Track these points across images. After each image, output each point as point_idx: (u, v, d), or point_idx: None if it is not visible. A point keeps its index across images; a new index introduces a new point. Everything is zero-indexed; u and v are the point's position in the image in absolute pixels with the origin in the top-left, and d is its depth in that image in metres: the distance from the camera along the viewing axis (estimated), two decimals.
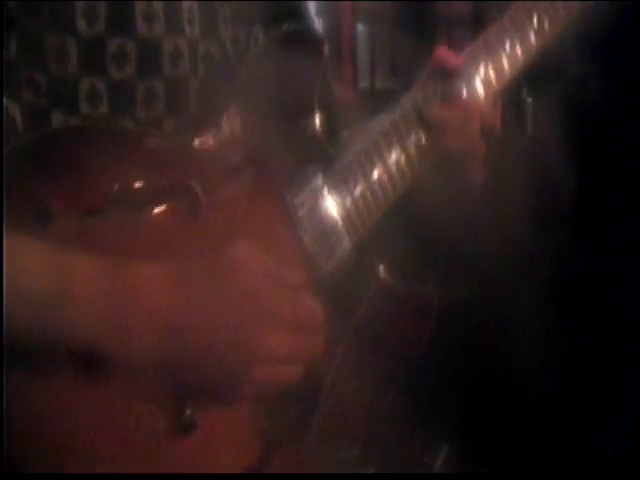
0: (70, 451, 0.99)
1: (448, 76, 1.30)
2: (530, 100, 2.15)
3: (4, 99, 1.07)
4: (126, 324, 0.95)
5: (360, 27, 3.12)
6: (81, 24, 1.06)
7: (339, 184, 1.18)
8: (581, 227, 2.20)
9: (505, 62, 1.36)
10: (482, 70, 1.34)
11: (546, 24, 1.38)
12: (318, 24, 2.61)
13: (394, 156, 1.23)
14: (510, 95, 2.11)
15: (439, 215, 1.33)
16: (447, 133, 1.29)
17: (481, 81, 1.34)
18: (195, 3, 1.13)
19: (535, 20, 1.37)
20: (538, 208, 2.17)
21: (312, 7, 2.67)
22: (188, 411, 1.02)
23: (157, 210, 1.04)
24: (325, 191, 1.17)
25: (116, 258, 0.97)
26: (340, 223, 1.18)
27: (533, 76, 2.02)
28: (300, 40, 1.20)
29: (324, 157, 1.18)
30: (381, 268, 1.24)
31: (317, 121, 1.17)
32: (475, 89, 1.33)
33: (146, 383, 0.98)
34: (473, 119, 1.31)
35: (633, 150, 2.02)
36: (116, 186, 1.02)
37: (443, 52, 1.32)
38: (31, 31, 1.06)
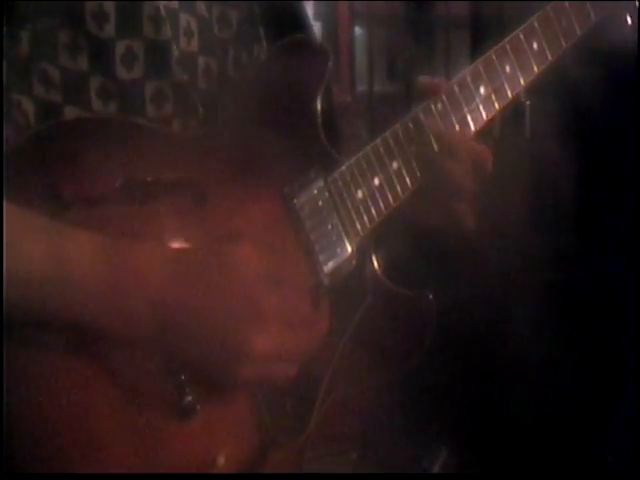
0: (69, 434, 0.98)
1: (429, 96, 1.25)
2: (528, 103, 2.15)
3: (16, 94, 1.08)
4: (123, 301, 0.97)
5: (358, 31, 3.13)
6: (91, 25, 1.07)
7: (340, 188, 1.19)
8: (582, 230, 2.20)
9: (507, 86, 1.30)
10: (474, 100, 1.29)
11: (547, 52, 1.32)
12: (316, 28, 2.62)
13: (395, 165, 1.24)
14: None
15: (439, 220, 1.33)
16: (436, 168, 1.25)
17: (470, 112, 1.26)
18: (193, 20, 1.14)
19: (535, 47, 1.32)
20: (538, 211, 2.17)
21: (309, 11, 2.68)
22: (189, 398, 1.03)
23: (162, 202, 1.05)
24: (327, 194, 1.18)
25: (117, 239, 0.99)
26: (341, 226, 1.19)
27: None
28: (307, 49, 1.21)
29: (326, 159, 1.19)
30: (381, 271, 1.25)
31: (319, 124, 1.18)
32: (464, 121, 1.25)
33: (142, 360, 0.99)
34: (459, 153, 1.26)
35: (633, 152, 2.02)
36: (123, 177, 1.03)
37: (427, 79, 1.26)
38: (44, 27, 1.06)
